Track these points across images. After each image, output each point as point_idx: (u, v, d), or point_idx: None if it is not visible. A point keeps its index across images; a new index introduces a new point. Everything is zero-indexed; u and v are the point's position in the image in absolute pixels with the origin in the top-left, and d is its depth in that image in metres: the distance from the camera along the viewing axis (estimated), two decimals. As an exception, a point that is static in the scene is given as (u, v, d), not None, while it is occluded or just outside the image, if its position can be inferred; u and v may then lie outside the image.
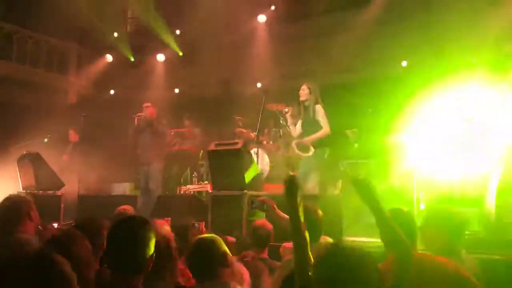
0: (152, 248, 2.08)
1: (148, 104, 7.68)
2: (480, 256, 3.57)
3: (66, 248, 2.10)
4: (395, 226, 2.11)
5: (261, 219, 4.07)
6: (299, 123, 6.23)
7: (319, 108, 6.10)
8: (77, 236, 2.27)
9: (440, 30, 9.72)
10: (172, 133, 9.45)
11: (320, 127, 6.04)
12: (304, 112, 6.16)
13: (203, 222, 3.48)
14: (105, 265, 2.11)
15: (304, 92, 6.13)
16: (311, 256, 2.11)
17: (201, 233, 3.41)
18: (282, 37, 11.67)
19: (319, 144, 6.05)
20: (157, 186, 7.64)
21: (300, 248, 2.17)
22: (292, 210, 2.20)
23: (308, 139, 6.02)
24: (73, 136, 8.86)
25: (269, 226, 3.90)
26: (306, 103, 6.13)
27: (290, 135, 8.20)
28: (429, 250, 2.85)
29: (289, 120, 6.49)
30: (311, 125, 6.08)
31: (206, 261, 2.48)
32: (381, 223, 2.14)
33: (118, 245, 2.05)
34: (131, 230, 2.08)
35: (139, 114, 7.66)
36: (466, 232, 3.89)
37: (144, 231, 2.09)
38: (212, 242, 2.57)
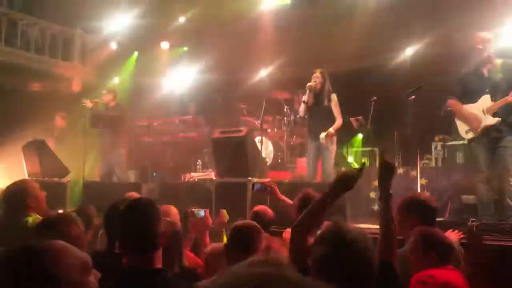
0: (159, 226, 2.14)
1: (105, 91, 7.71)
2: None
3: (59, 229, 2.14)
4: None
5: (262, 205, 4.08)
6: (302, 107, 6.21)
7: (334, 97, 6.14)
8: (69, 217, 2.30)
9: (445, 16, 9.63)
10: (177, 121, 9.47)
11: (333, 116, 6.09)
12: (315, 99, 6.15)
13: (208, 210, 3.47)
14: (122, 248, 2.16)
15: (318, 79, 6.12)
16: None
17: (207, 220, 3.40)
18: (287, 24, 11.59)
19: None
20: (124, 172, 7.64)
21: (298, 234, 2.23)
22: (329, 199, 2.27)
23: (332, 132, 6.02)
24: (59, 121, 8.89)
25: (270, 212, 3.90)
26: (319, 90, 6.12)
27: (293, 122, 8.23)
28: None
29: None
30: (322, 112, 6.10)
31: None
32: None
33: (132, 226, 2.11)
34: (141, 210, 2.14)
35: (94, 100, 7.63)
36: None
37: (153, 209, 2.15)
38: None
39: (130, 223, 2.11)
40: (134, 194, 4.28)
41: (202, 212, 3.37)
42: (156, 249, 2.09)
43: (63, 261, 1.23)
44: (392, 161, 2.37)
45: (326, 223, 2.88)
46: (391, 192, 2.31)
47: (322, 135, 5.97)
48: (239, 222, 2.79)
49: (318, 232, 1.75)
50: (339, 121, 6.14)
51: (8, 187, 3.50)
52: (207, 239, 3.32)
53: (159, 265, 2.09)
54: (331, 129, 6.03)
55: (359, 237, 1.63)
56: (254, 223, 2.79)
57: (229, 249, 2.63)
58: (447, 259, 2.56)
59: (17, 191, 3.39)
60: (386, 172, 2.32)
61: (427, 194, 2.97)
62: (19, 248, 1.25)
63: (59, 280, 1.19)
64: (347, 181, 2.27)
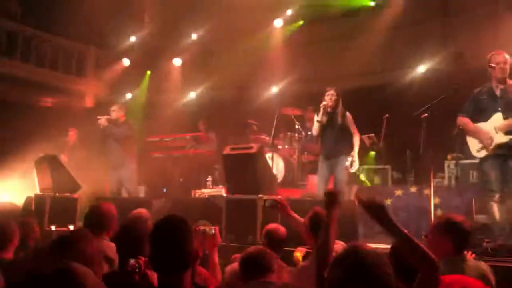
0: (193, 244, 2.11)
1: (115, 107, 7.77)
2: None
3: (73, 246, 2.12)
4: (419, 244, 2.01)
5: (274, 223, 4.05)
6: (316, 126, 6.21)
7: (349, 114, 6.15)
8: (85, 234, 2.28)
9: (457, 33, 9.63)
10: (188, 137, 9.49)
11: (346, 134, 6.10)
12: (329, 117, 6.14)
13: (217, 227, 3.43)
14: (152, 267, 2.13)
15: (333, 98, 6.11)
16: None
17: (217, 238, 3.36)
18: (298, 41, 11.66)
19: (340, 150, 6.08)
20: (134, 187, 7.68)
21: (321, 253, 2.25)
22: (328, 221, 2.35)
23: (355, 154, 6.15)
24: (72, 136, 8.96)
25: (282, 230, 3.87)
26: (333, 109, 6.12)
27: (304, 139, 8.20)
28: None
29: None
30: (336, 131, 6.11)
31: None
32: (405, 244, 2.04)
33: (163, 245, 2.07)
34: (172, 229, 2.10)
35: (101, 117, 7.71)
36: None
37: (185, 227, 2.13)
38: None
39: (162, 242, 2.07)
40: (142, 211, 4.28)
41: (213, 230, 3.35)
42: (187, 268, 2.07)
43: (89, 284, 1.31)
44: (373, 197, 2.16)
45: (341, 245, 2.85)
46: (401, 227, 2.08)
47: (348, 163, 6.08)
48: (251, 248, 2.84)
49: (335, 254, 1.71)
50: (358, 139, 6.22)
51: (94, 209, 3.63)
52: (216, 257, 3.30)
53: (188, 285, 2.06)
54: (355, 154, 6.14)
55: (377, 262, 1.58)
56: (263, 248, 2.83)
57: (245, 275, 2.67)
58: (464, 247, 2.71)
59: (102, 219, 3.50)
60: (377, 212, 2.10)
61: (462, 216, 2.92)
62: (50, 270, 1.31)
63: None
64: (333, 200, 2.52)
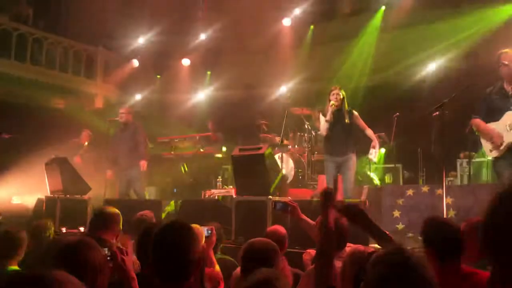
0: (196, 252, 2.04)
1: (123, 110, 7.83)
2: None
3: (79, 255, 2.09)
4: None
5: (274, 225, 3.97)
6: (325, 125, 6.14)
7: (355, 112, 6.10)
8: (92, 243, 2.25)
9: (469, 32, 9.51)
10: (197, 138, 9.49)
11: (355, 132, 6.13)
12: (336, 116, 6.07)
13: (213, 228, 3.46)
14: (153, 274, 2.07)
15: (339, 97, 6.05)
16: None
17: (213, 237, 3.38)
18: (307, 40, 11.60)
19: (347, 149, 6.01)
20: (141, 189, 7.72)
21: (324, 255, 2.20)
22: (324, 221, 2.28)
23: (377, 145, 6.13)
24: (85, 137, 9.01)
25: (282, 231, 3.72)
26: (340, 107, 6.05)
27: (314, 139, 8.15)
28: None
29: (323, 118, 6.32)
30: (342, 129, 6.04)
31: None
32: (387, 243, 2.19)
33: (164, 252, 2.02)
34: (174, 236, 2.03)
35: (112, 119, 7.83)
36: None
37: (188, 235, 2.05)
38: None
39: (163, 249, 2.02)
40: (147, 213, 4.28)
41: (209, 231, 3.40)
42: (189, 276, 2.00)
43: None
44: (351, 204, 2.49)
45: (351, 248, 2.79)
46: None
47: (372, 155, 6.07)
48: (255, 240, 2.68)
49: (372, 255, 1.68)
50: (371, 132, 6.18)
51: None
52: (212, 254, 3.38)
53: None
54: (376, 145, 6.11)
55: (420, 262, 1.57)
56: (269, 241, 2.68)
57: (246, 268, 2.51)
58: None
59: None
60: (356, 214, 2.30)
61: None
62: (24, 276, 1.20)
63: None
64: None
